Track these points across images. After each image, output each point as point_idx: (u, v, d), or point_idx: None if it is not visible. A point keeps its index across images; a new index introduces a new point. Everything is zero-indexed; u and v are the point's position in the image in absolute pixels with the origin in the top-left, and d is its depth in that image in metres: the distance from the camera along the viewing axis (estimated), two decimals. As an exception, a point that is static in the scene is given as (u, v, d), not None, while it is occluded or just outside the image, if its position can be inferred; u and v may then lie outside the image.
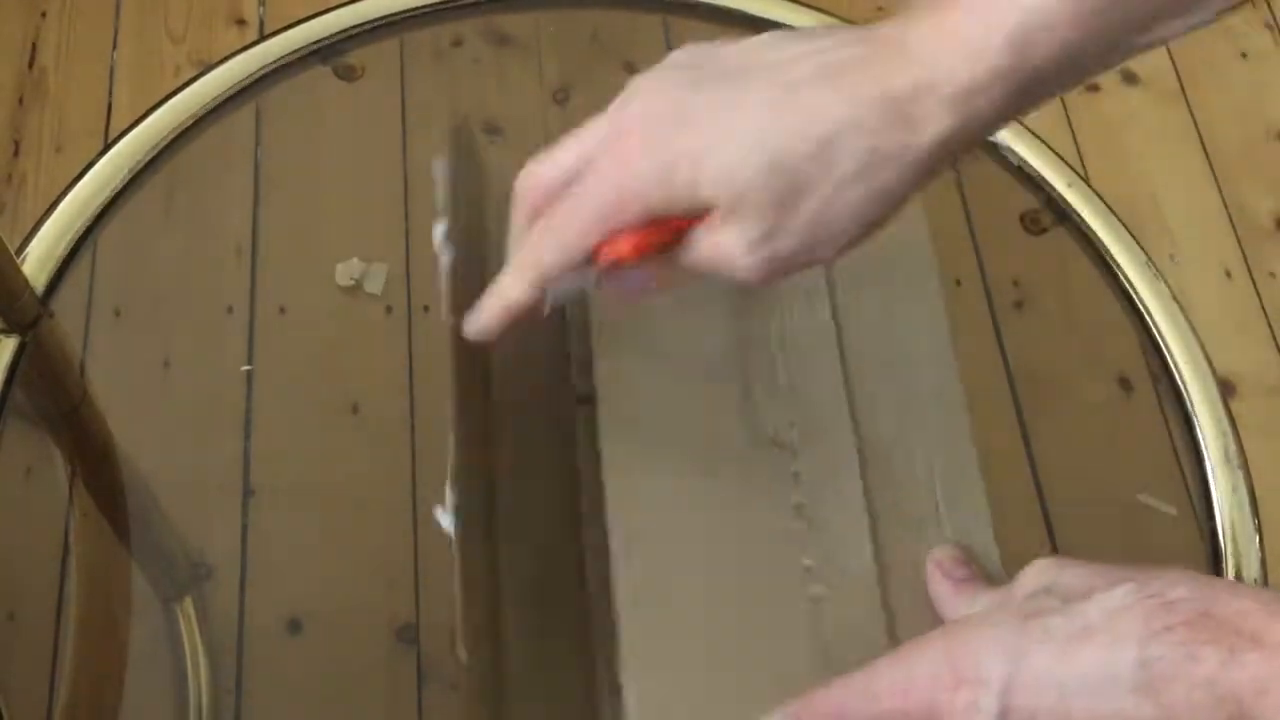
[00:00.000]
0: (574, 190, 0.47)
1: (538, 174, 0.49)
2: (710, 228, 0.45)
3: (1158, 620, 0.38)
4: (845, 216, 0.43)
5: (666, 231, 0.46)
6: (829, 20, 0.82)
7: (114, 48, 1.48)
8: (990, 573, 0.50)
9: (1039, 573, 0.44)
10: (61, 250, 0.70)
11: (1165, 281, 0.73)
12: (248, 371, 0.68)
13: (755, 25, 0.81)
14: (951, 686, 0.41)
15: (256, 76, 0.77)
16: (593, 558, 0.52)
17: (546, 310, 0.48)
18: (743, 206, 0.44)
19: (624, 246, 0.46)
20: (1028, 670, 0.39)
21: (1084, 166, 1.40)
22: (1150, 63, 1.48)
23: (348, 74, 0.78)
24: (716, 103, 0.45)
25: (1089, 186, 0.75)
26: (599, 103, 0.80)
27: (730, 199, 0.44)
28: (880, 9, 1.59)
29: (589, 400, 0.54)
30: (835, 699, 0.44)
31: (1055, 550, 0.63)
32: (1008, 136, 0.75)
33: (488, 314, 0.49)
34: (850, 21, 0.82)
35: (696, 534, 0.50)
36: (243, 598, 0.61)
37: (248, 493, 0.64)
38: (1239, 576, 0.65)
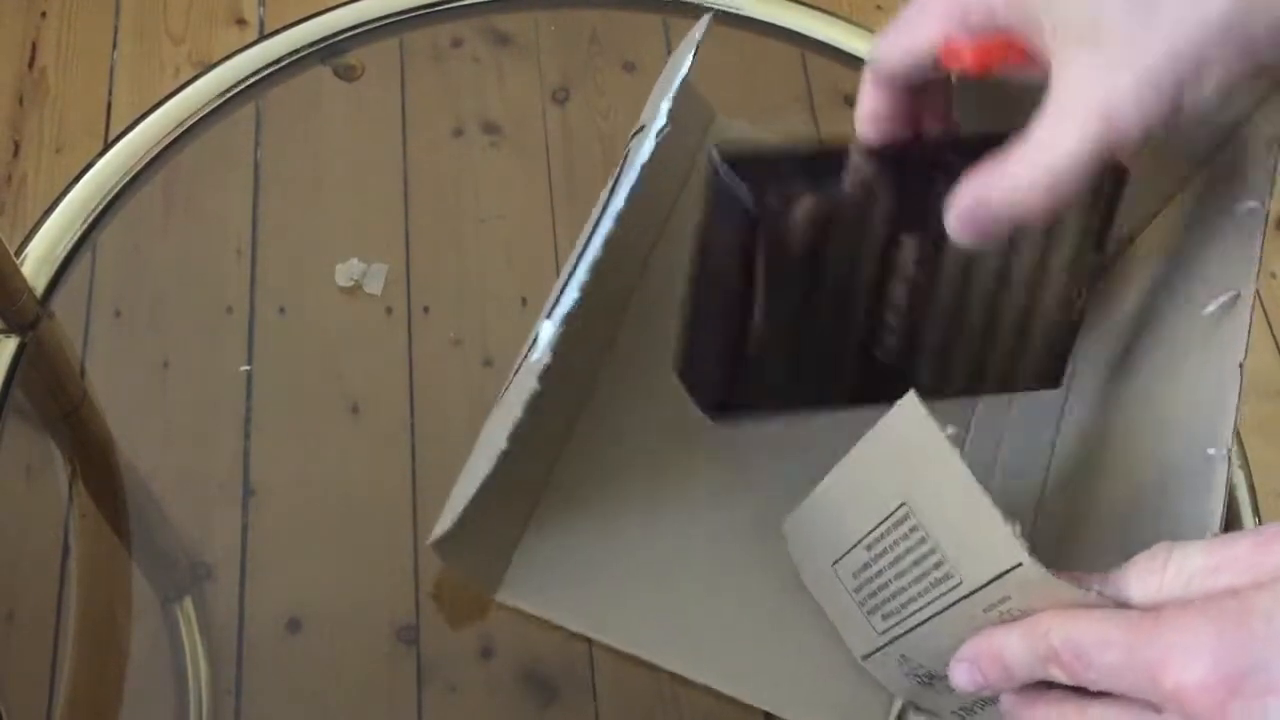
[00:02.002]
0: None
1: None
2: (1063, 62, 0.42)
3: None
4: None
5: (1015, 52, 0.44)
6: (826, 20, 0.82)
7: (114, 48, 1.48)
8: None
9: (1186, 566, 0.38)
10: (61, 250, 0.70)
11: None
12: (247, 371, 0.68)
13: (756, 26, 0.82)
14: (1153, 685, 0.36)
15: (256, 76, 0.77)
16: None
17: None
18: (1099, 29, 0.40)
19: (968, 52, 0.45)
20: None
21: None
22: (1150, 63, 1.48)
23: (348, 74, 0.78)
24: None
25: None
26: (599, 103, 0.80)
27: (1082, 20, 0.40)
28: (880, 7, 1.59)
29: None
30: (1001, 644, 0.40)
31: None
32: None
33: (860, 125, 0.50)
34: (849, 20, 0.82)
35: None
36: (243, 598, 0.61)
37: (248, 493, 0.64)
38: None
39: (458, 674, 0.60)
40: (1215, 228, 0.54)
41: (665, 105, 0.55)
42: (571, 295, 0.54)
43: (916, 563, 0.46)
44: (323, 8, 0.78)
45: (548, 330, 0.53)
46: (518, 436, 0.52)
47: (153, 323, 0.70)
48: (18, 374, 0.66)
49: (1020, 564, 0.40)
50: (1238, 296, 0.49)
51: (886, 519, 0.47)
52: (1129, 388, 0.58)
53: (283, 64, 0.78)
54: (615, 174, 0.60)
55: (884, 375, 0.53)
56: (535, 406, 0.51)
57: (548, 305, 0.58)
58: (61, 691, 0.59)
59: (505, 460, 0.52)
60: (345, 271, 0.70)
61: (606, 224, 0.55)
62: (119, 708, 0.60)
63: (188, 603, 0.62)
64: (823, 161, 0.50)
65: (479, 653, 0.61)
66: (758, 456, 0.62)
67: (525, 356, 0.57)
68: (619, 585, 0.60)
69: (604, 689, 0.60)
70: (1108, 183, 0.52)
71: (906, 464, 0.46)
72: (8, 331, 0.67)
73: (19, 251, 0.70)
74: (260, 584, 0.62)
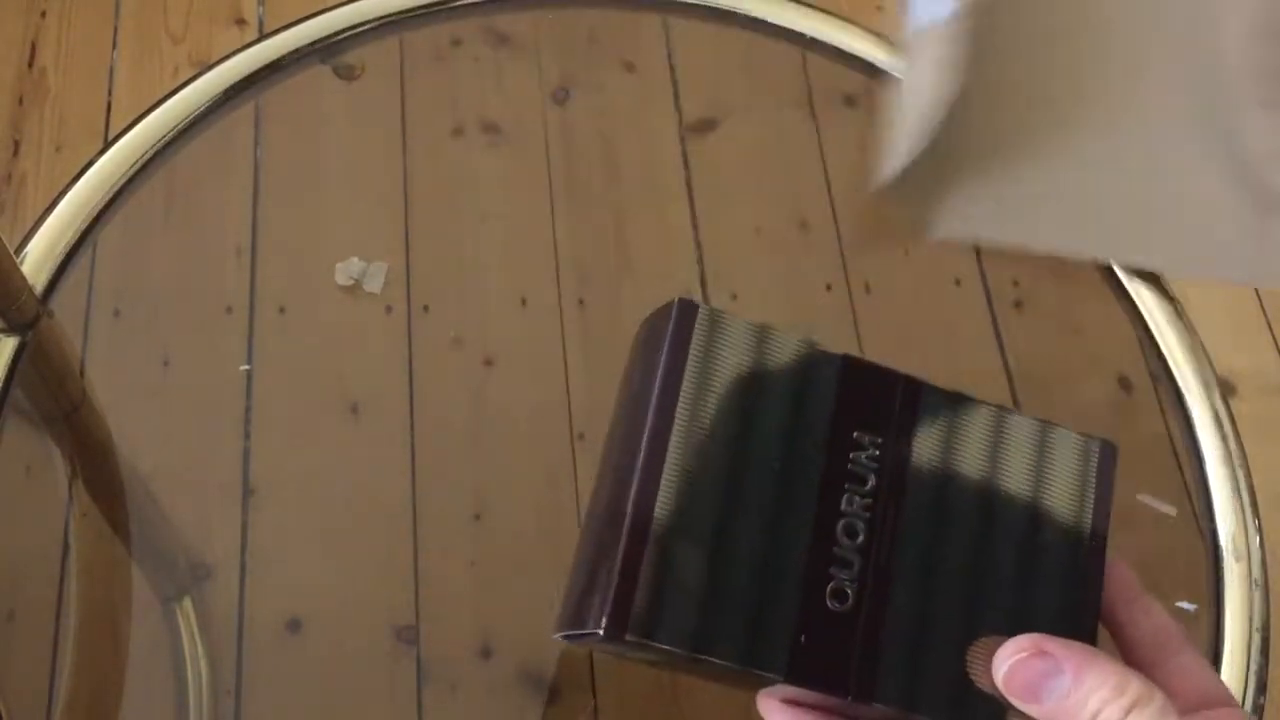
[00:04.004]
0: None
1: None
2: None
3: None
4: None
5: None
6: (826, 20, 0.82)
7: (114, 48, 1.48)
8: None
9: None
10: (61, 250, 0.70)
11: (1165, 281, 0.73)
12: (247, 371, 0.68)
13: (756, 26, 0.81)
14: None
15: (256, 76, 0.77)
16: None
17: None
18: None
19: None
20: None
21: (1084, 166, 1.40)
22: (1150, 62, 1.48)
23: (348, 74, 0.78)
24: None
25: (1089, 186, 0.75)
26: (598, 102, 0.80)
27: None
28: (880, 8, 1.59)
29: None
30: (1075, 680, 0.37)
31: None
32: (1008, 136, 0.75)
33: None
34: (849, 20, 0.82)
35: None
36: (243, 598, 0.61)
37: (248, 493, 0.64)
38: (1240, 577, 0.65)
39: (458, 674, 0.60)
40: None
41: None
42: None
43: None
44: (323, 8, 0.78)
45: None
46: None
47: (153, 322, 0.70)
48: (17, 374, 0.66)
49: None
50: None
51: None
52: None
53: (283, 64, 0.78)
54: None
55: (835, 638, 0.39)
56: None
57: None
58: (61, 691, 0.59)
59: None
60: (345, 270, 0.70)
61: None
62: (119, 708, 0.60)
63: (188, 603, 0.62)
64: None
65: (479, 653, 0.61)
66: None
67: None
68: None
69: (604, 688, 0.60)
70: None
71: None
72: (8, 331, 0.67)
73: (19, 250, 0.70)
74: (260, 584, 0.62)
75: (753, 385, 0.40)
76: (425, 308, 0.70)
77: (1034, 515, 0.42)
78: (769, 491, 0.39)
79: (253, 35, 1.49)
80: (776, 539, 0.39)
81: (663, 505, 0.38)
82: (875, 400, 0.41)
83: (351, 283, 0.70)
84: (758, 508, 0.39)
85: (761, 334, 0.41)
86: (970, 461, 0.41)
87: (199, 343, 0.69)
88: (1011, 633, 0.37)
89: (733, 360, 0.40)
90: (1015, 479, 0.42)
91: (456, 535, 0.64)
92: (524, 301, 0.71)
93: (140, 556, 0.64)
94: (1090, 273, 0.74)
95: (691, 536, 0.38)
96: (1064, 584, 0.41)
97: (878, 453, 0.41)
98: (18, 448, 0.66)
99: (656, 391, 0.39)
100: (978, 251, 0.74)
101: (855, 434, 0.41)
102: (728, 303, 0.72)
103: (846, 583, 0.39)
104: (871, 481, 0.40)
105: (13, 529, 0.64)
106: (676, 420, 0.39)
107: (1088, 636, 0.41)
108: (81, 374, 0.68)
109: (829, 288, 0.73)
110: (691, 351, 0.40)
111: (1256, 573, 0.65)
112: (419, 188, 0.74)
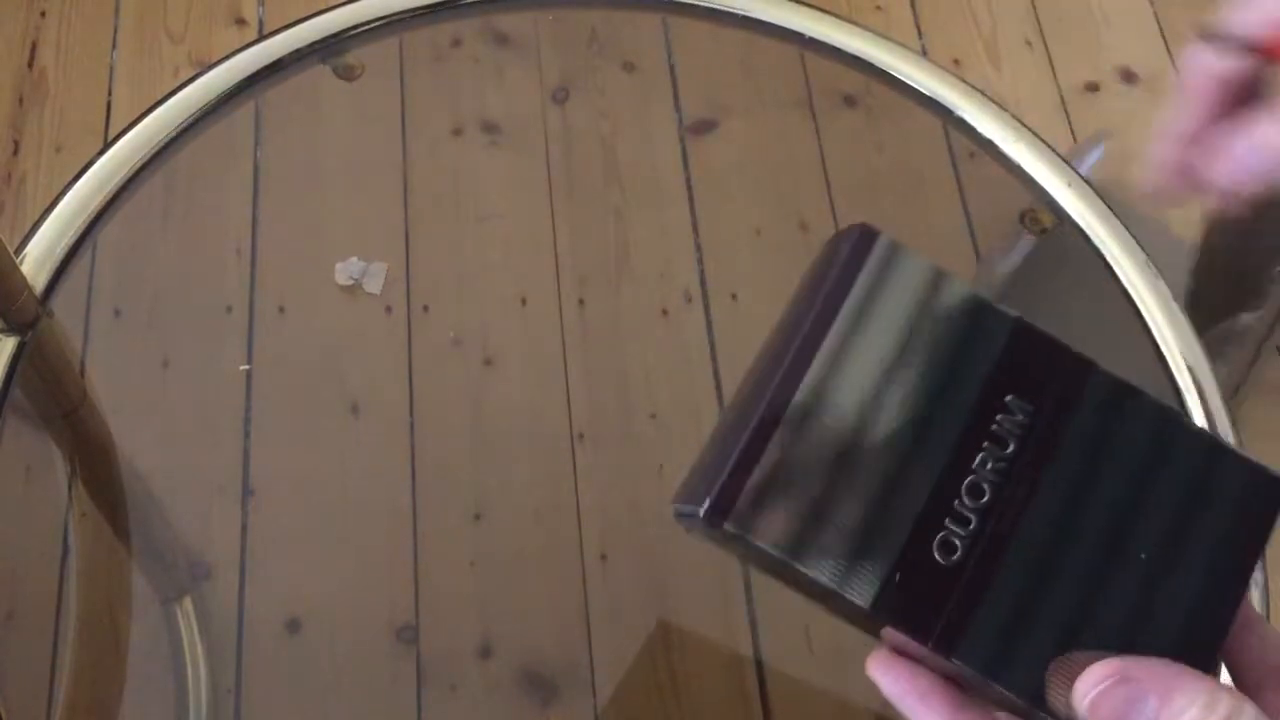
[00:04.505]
0: None
1: None
2: None
3: None
4: None
5: None
6: (825, 19, 0.82)
7: (114, 47, 1.48)
8: None
9: None
10: (61, 250, 0.70)
11: (1165, 281, 0.73)
12: (247, 371, 0.68)
13: (754, 25, 0.81)
14: None
15: (256, 76, 0.77)
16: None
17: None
18: None
19: None
20: None
21: (1084, 166, 1.40)
22: (1150, 62, 1.48)
23: (348, 74, 0.78)
24: None
25: (1089, 186, 0.75)
26: (598, 102, 0.80)
27: None
28: (879, 8, 1.59)
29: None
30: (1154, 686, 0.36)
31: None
32: (1008, 136, 0.75)
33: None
34: (848, 20, 0.82)
35: None
36: (242, 598, 0.61)
37: (248, 493, 0.64)
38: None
39: (458, 674, 0.60)
40: None
41: None
42: None
43: None
44: (323, 8, 0.78)
45: None
46: None
47: (153, 322, 0.70)
48: (17, 374, 0.66)
49: None
50: None
51: None
52: None
53: (282, 63, 0.78)
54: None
55: (931, 586, 0.38)
56: None
57: None
58: (61, 691, 0.59)
59: None
60: (345, 270, 0.70)
61: None
62: (119, 708, 0.60)
63: (188, 603, 0.62)
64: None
65: (479, 653, 0.61)
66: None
67: None
68: None
69: (604, 689, 0.60)
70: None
71: None
72: (7, 331, 0.67)
73: (19, 250, 0.70)
74: (260, 584, 0.62)
75: (915, 322, 0.40)
76: (425, 308, 0.70)
77: (1176, 530, 0.40)
78: (905, 428, 0.39)
79: (253, 35, 1.49)
80: (899, 475, 0.39)
81: (795, 411, 0.38)
82: (1039, 369, 0.41)
83: (351, 283, 0.70)
84: (889, 440, 0.39)
85: (937, 276, 0.40)
86: (1123, 456, 0.40)
87: (199, 343, 0.69)
88: (1121, 647, 0.37)
89: (901, 293, 0.40)
90: (1167, 487, 0.40)
91: (456, 535, 0.64)
92: (524, 301, 0.71)
93: (140, 556, 0.64)
94: (1090, 272, 0.74)
95: (816, 448, 0.38)
96: (1190, 608, 0.39)
97: (1027, 421, 0.40)
98: (18, 448, 0.66)
99: (817, 306, 0.39)
100: (977, 251, 0.74)
101: (1008, 397, 0.40)
102: (728, 302, 0.72)
103: (958, 539, 0.38)
104: (1011, 447, 0.40)
105: (13, 529, 0.64)
106: (830, 335, 0.39)
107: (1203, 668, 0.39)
108: (81, 374, 0.68)
109: (829, 288, 0.73)
110: (861, 276, 0.40)
111: (1256, 573, 0.65)
112: (419, 188, 0.74)
